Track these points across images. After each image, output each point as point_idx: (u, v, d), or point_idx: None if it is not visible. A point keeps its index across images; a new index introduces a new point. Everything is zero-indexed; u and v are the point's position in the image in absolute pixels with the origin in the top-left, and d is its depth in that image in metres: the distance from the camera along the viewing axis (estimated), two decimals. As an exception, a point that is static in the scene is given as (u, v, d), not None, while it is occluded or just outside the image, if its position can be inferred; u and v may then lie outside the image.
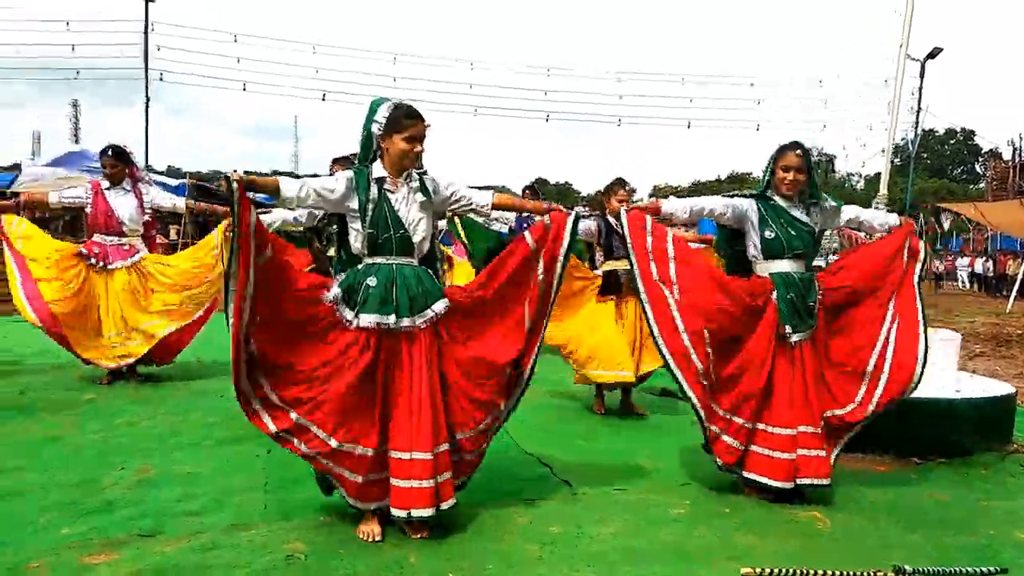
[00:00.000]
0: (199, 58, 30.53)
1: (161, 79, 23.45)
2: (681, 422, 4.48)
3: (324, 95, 25.51)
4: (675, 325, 3.08)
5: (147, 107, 22.08)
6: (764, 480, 3.10)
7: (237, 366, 2.51)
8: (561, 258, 2.87)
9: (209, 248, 5.29)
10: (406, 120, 2.71)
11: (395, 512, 2.60)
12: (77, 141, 58.67)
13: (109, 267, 5.11)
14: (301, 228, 4.79)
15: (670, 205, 3.31)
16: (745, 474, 3.16)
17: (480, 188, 3.06)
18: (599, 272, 4.81)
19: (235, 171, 2.51)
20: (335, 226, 4.49)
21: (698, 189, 56.22)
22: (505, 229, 7.75)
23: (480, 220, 5.93)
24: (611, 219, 4.77)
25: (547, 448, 3.85)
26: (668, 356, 3.07)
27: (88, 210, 5.16)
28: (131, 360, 5.09)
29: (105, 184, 5.17)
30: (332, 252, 4.44)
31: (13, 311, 4.94)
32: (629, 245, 3.13)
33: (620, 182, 4.86)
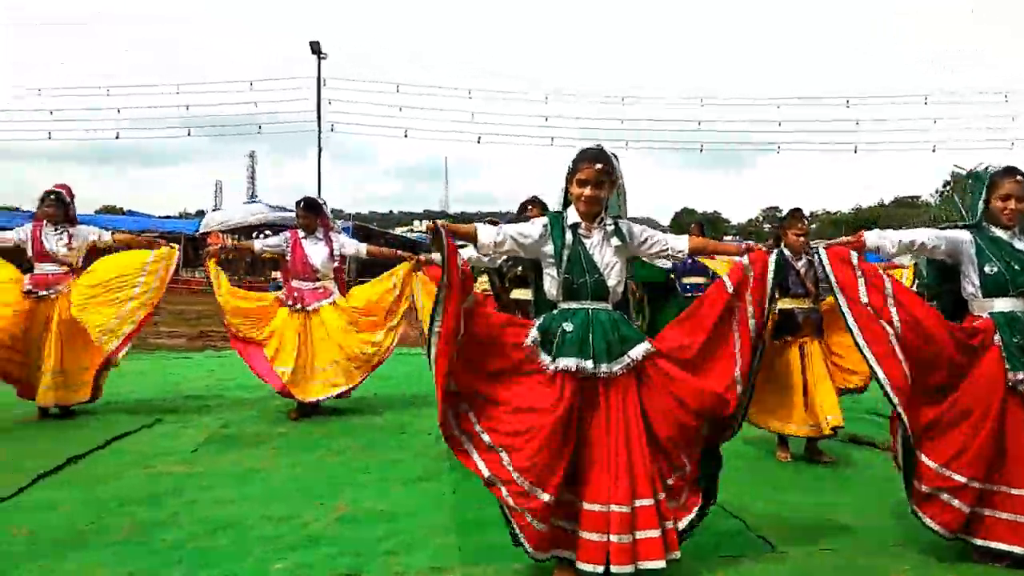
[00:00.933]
0: (365, 108, 32.72)
1: (332, 130, 25.32)
2: (876, 473, 4.12)
3: (479, 138, 26.48)
4: (892, 349, 2.81)
5: (319, 157, 23.77)
6: (1005, 547, 2.76)
7: (444, 409, 2.55)
8: (767, 298, 2.72)
9: (386, 288, 5.56)
10: (579, 163, 2.71)
11: (584, 567, 2.51)
12: (253, 189, 64.43)
13: (307, 308, 5.45)
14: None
15: (875, 238, 3.07)
16: (978, 542, 2.82)
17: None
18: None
19: (436, 220, 2.59)
20: (519, 267, 4.59)
21: (860, 215, 52.90)
22: (668, 265, 7.59)
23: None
24: (787, 253, 4.52)
25: (734, 498, 3.64)
26: (885, 381, 2.78)
27: (288, 257, 5.57)
28: (333, 392, 5.43)
29: (301, 233, 5.58)
30: (516, 294, 4.52)
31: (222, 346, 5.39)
32: (835, 284, 2.91)
33: (797, 214, 4.61)
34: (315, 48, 23.88)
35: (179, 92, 28.67)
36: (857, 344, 2.83)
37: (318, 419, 5.47)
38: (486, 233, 2.73)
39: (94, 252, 5.58)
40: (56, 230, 5.40)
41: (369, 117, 34.34)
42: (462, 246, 4.84)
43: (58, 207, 5.39)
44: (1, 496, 3.55)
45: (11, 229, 5.57)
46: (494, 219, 6.70)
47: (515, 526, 2.56)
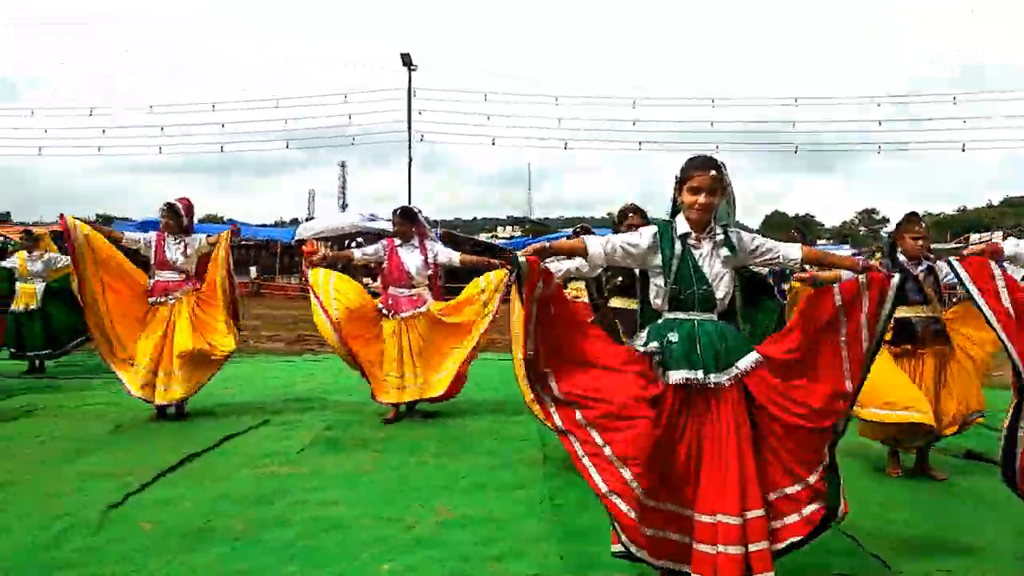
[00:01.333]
0: (453, 117, 33.24)
1: (422, 140, 25.90)
2: (993, 490, 3.89)
3: (566, 144, 26.54)
4: None
5: (410, 166, 24.35)
6: None
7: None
8: (883, 322, 2.61)
9: (474, 294, 5.65)
10: (689, 171, 2.68)
11: None
12: (344, 198, 66.49)
13: (402, 315, 5.59)
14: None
15: (1012, 247, 2.91)
16: None
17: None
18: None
19: (522, 251, 2.61)
20: (619, 277, 4.58)
21: (965, 216, 50.13)
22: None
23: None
24: (902, 259, 4.33)
25: (844, 514, 3.51)
26: None
27: (384, 264, 5.73)
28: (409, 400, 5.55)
29: (397, 241, 5.73)
30: (616, 303, 4.50)
31: (320, 350, 5.56)
32: (976, 293, 2.76)
33: (914, 218, 4.39)
34: (406, 60, 24.46)
35: (278, 106, 29.86)
36: (1006, 349, 2.71)
37: (415, 423, 5.59)
38: (595, 245, 2.74)
39: (205, 259, 5.88)
40: (175, 240, 5.74)
41: (457, 126, 34.96)
42: (556, 259, 4.87)
43: (173, 218, 5.72)
44: (130, 490, 3.79)
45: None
46: (586, 226, 6.70)
47: (613, 522, 2.49)
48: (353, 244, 28.48)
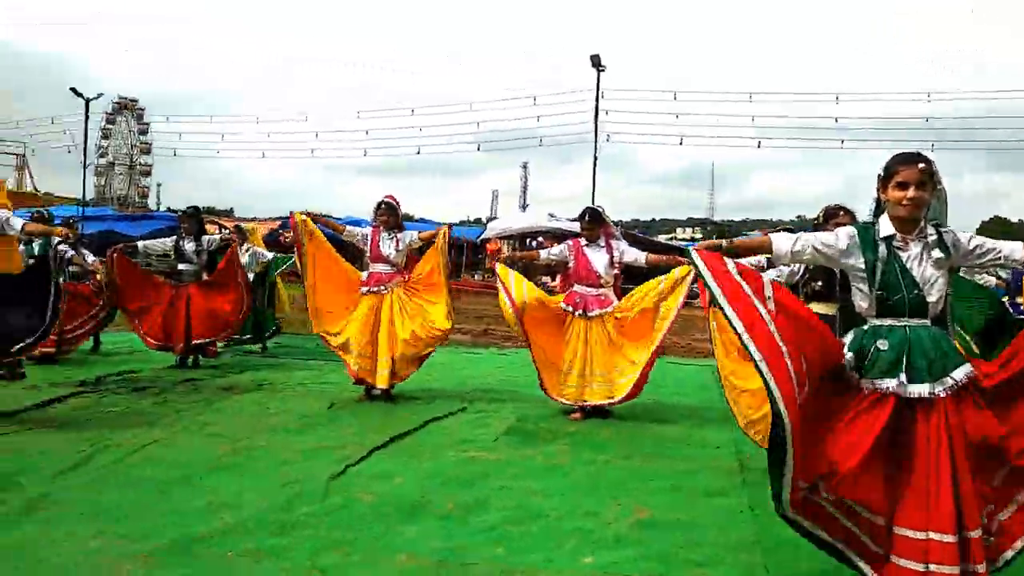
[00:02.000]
0: (641, 117, 33.00)
1: (608, 140, 25.98)
2: None
3: (759, 142, 25.53)
4: None
5: (595, 167, 24.52)
6: None
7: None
8: None
9: (653, 291, 5.59)
10: (895, 165, 2.49)
11: None
12: (525, 198, 68.11)
13: (589, 315, 5.66)
14: None
15: None
16: None
17: None
18: None
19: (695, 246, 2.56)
20: (819, 282, 4.36)
21: None
22: (992, 282, 6.63)
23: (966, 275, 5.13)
24: None
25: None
26: None
27: (571, 264, 5.83)
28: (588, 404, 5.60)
29: (583, 242, 5.81)
30: (814, 308, 4.29)
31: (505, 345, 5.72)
32: None
33: None
34: (595, 61, 24.55)
35: (471, 109, 31.25)
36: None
37: (602, 422, 5.63)
38: (782, 241, 2.64)
39: (413, 255, 6.31)
40: (389, 235, 6.18)
41: (645, 126, 34.51)
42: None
43: (390, 214, 6.17)
44: (349, 463, 4.15)
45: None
46: (788, 228, 6.40)
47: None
48: (534, 243, 29.19)
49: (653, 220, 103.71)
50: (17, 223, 5.17)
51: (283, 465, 4.14)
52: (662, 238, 44.56)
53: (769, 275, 4.38)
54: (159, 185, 58.94)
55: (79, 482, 3.71)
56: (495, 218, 50.61)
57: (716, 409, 5.85)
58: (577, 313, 5.70)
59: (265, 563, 2.83)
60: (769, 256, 2.75)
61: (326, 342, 6.18)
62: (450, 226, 6.49)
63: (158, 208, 53.85)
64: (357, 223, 6.53)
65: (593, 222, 5.82)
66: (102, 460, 4.08)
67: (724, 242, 2.71)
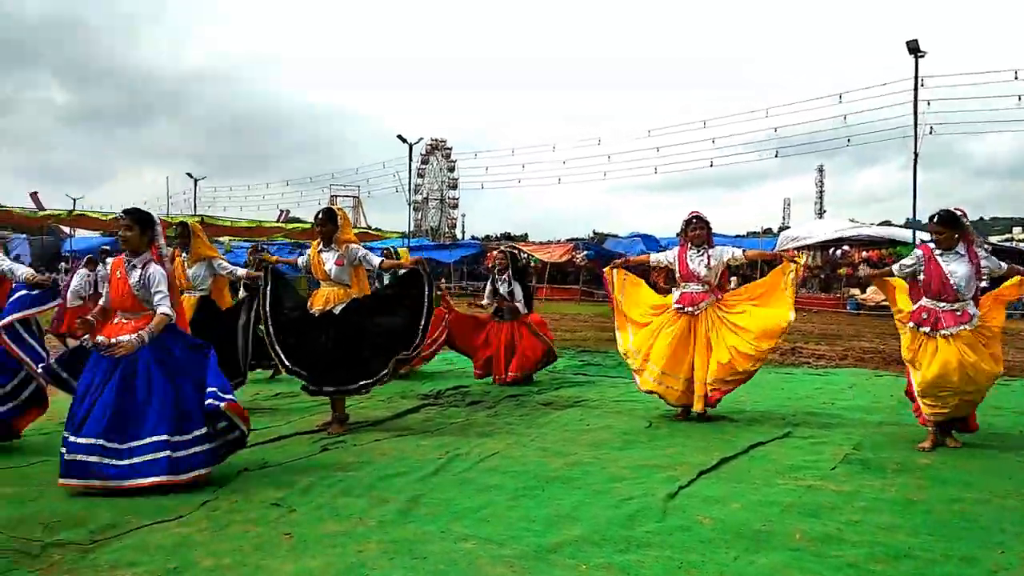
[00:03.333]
0: (970, 104, 28.57)
1: (931, 132, 23.21)
2: None
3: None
4: None
5: (915, 164, 22.15)
6: None
7: None
8: None
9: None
10: None
11: None
12: (822, 204, 63.35)
13: (943, 333, 5.01)
14: None
15: None
16: None
17: None
18: None
19: None
20: None
21: None
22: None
23: None
24: None
25: None
26: None
27: (921, 277, 5.21)
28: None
29: (938, 250, 5.16)
30: None
31: (816, 364, 5.12)
32: None
33: None
34: (912, 47, 22.06)
35: (767, 115, 29.87)
36: None
37: (964, 452, 4.96)
38: None
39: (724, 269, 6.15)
40: (698, 252, 6.08)
41: (975, 113, 29.54)
42: None
43: (704, 229, 6.08)
44: (681, 484, 4.13)
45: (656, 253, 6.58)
46: None
47: None
48: (838, 252, 26.85)
49: (981, 219, 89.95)
50: (375, 259, 5.92)
51: (614, 481, 4.24)
52: (993, 239, 38.41)
53: None
54: (463, 216, 64.85)
55: (442, 486, 4.15)
56: (787, 227, 47.66)
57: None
58: (930, 332, 5.06)
59: (620, 579, 2.89)
60: None
61: (628, 359, 6.26)
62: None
63: (462, 236, 59.49)
64: (647, 239, 6.57)
65: (944, 225, 5.17)
66: (457, 467, 4.53)
67: None
